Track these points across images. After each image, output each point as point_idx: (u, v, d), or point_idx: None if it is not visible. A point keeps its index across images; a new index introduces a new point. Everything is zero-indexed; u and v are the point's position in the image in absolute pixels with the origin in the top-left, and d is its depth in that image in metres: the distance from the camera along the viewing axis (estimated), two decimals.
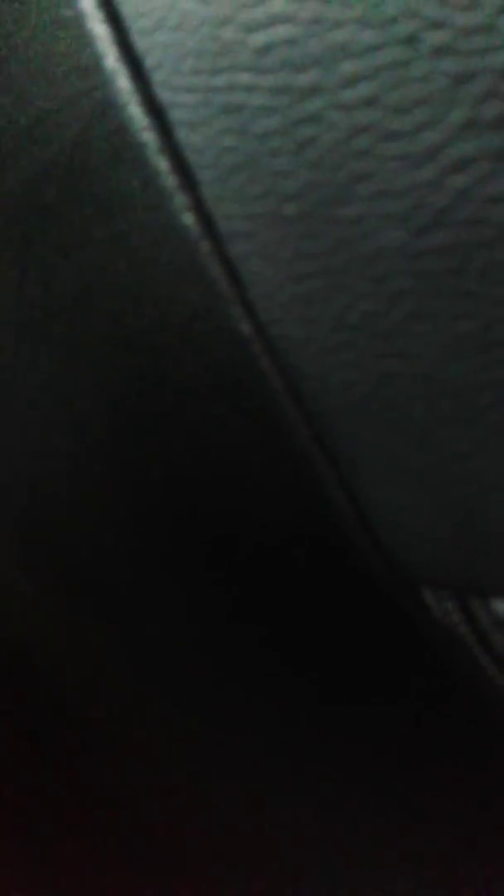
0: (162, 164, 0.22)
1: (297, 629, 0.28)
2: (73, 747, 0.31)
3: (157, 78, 0.21)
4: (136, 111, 0.22)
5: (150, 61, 0.21)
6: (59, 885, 0.31)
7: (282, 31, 0.19)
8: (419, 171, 0.19)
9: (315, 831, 0.31)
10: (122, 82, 0.22)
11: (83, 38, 0.23)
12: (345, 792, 0.30)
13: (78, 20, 0.23)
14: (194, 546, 0.27)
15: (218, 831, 0.31)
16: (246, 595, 0.28)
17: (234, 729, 0.30)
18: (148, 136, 0.22)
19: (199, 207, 0.22)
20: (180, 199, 0.22)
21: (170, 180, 0.22)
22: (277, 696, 0.29)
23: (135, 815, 0.31)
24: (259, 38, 0.20)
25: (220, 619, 0.28)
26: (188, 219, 0.22)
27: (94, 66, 0.23)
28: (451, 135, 0.19)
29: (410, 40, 0.19)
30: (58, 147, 0.25)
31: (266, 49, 0.20)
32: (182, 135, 0.21)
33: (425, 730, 0.30)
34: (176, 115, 0.21)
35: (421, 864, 0.30)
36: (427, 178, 0.19)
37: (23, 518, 0.28)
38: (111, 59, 0.22)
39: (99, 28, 0.22)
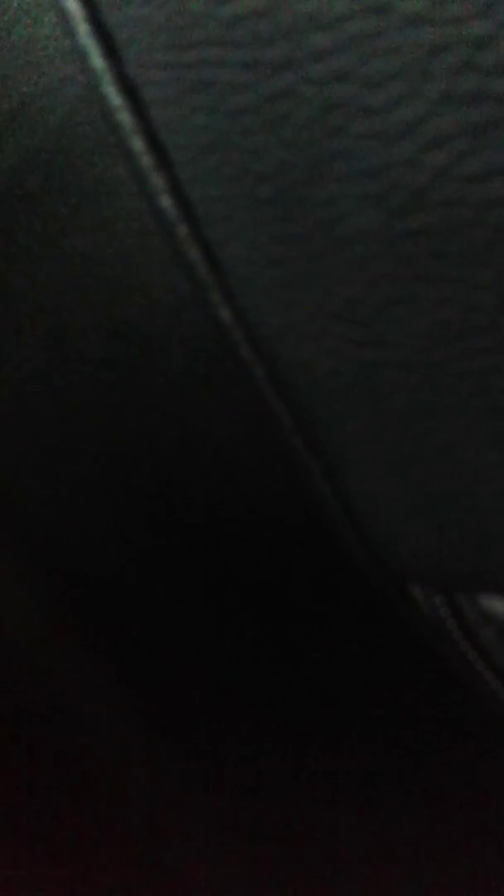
0: (137, 144, 0.21)
1: (291, 624, 0.28)
2: (72, 748, 0.30)
3: (129, 55, 0.20)
4: (109, 90, 0.21)
5: (120, 37, 0.20)
6: (58, 885, 0.31)
7: (250, 2, 0.18)
8: (395, 149, 0.19)
9: (315, 831, 0.30)
10: (95, 61, 0.21)
11: (63, 19, 0.22)
12: (344, 791, 0.30)
13: (55, 0, 0.22)
14: (184, 539, 0.27)
15: (217, 832, 0.30)
16: (237, 589, 0.27)
17: (231, 728, 0.29)
18: (122, 116, 0.21)
19: (175, 189, 0.21)
20: (156, 181, 0.21)
21: (145, 161, 0.21)
22: (273, 694, 0.29)
23: (134, 816, 0.31)
24: (228, 10, 0.19)
25: (210, 614, 0.28)
26: (165, 201, 0.21)
27: (75, 48, 0.22)
28: (427, 110, 0.18)
29: (382, 9, 0.18)
30: (42, 134, 0.24)
31: (235, 21, 0.19)
32: (155, 113, 0.20)
33: (424, 727, 0.29)
34: (148, 92, 0.20)
35: (421, 864, 0.30)
36: (403, 156, 0.19)
37: (10, 513, 0.28)
38: (83, 36, 0.21)
39: (70, 4, 0.21)
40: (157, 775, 0.30)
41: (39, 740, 0.30)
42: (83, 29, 0.21)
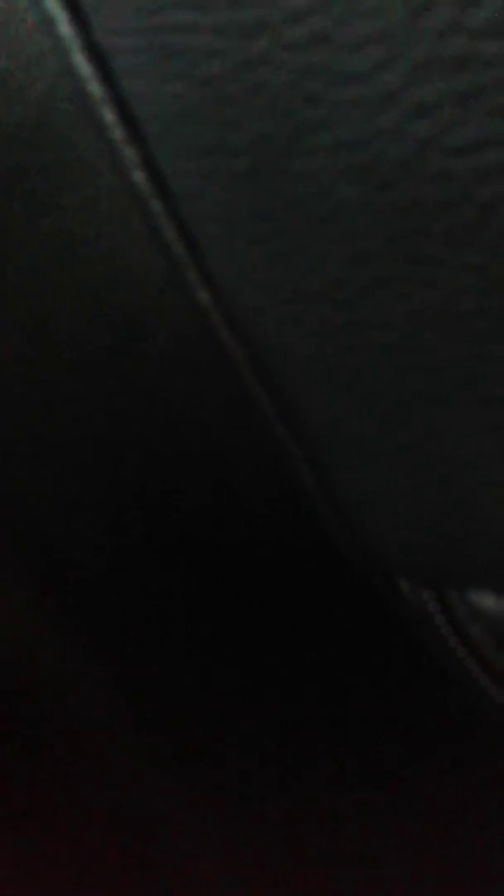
0: (108, 115, 0.20)
1: (285, 615, 0.27)
2: (72, 748, 0.30)
3: (97, 21, 0.19)
4: (78, 59, 0.20)
5: (88, 2, 0.19)
6: (58, 885, 0.30)
7: None
8: (377, 118, 0.17)
9: (315, 830, 0.29)
10: (63, 28, 0.20)
11: None
12: (344, 789, 0.29)
13: None
14: (174, 527, 0.26)
15: (217, 832, 0.30)
16: (229, 578, 0.26)
17: (230, 727, 0.29)
18: (92, 86, 0.20)
19: (148, 163, 0.20)
20: (128, 155, 0.20)
21: (116, 133, 0.20)
22: (270, 690, 0.28)
23: (134, 816, 0.30)
24: None
25: (203, 604, 0.27)
26: (138, 176, 0.20)
27: (44, 17, 0.21)
28: (411, 75, 0.17)
29: None
30: (21, 110, 0.23)
31: None
32: (125, 83, 0.19)
33: (421, 723, 0.28)
34: (118, 61, 0.19)
35: (421, 864, 0.29)
36: (386, 125, 0.17)
37: None
38: (50, 2, 0.20)
39: None
40: (157, 775, 0.30)
41: (39, 740, 0.30)
42: None
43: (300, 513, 0.24)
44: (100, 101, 0.20)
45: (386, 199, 0.18)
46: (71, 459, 0.26)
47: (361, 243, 0.18)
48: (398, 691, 0.28)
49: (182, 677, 0.28)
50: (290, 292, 0.19)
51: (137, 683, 0.29)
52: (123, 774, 0.30)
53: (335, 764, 0.29)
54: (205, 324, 0.21)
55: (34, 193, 0.24)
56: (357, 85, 0.17)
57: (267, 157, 0.18)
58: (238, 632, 0.27)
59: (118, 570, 0.27)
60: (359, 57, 0.17)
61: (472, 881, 0.29)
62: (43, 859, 0.30)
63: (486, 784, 0.29)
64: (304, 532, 0.24)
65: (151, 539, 0.26)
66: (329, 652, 0.27)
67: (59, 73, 0.23)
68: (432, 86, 0.17)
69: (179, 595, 0.27)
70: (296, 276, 0.19)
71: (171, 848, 0.30)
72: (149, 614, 0.27)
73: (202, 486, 0.25)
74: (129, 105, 0.20)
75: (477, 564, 0.20)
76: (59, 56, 0.20)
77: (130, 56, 0.19)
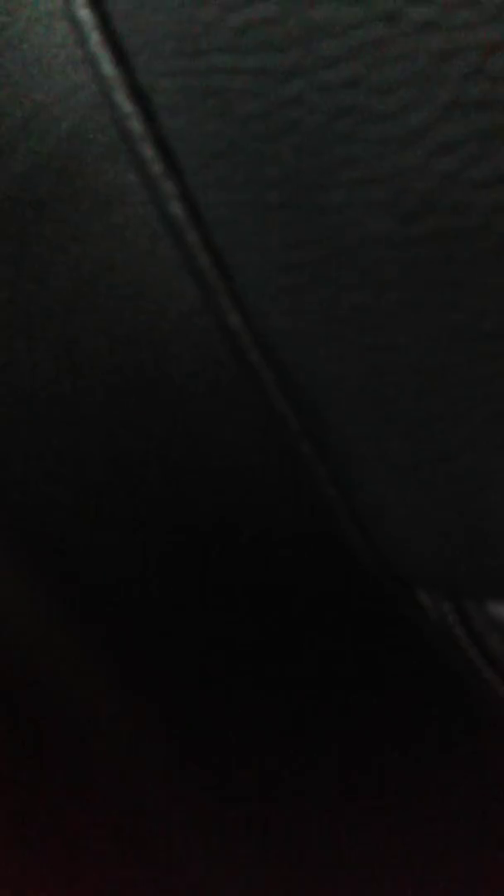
0: (147, 151, 0.21)
1: (300, 629, 0.28)
2: (72, 748, 0.30)
3: (139, 62, 0.20)
4: (120, 97, 0.21)
5: (131, 45, 0.20)
6: (58, 885, 0.31)
7: (260, 10, 0.19)
8: (404, 155, 0.19)
9: (316, 831, 0.30)
10: (106, 68, 0.21)
11: (75, 27, 0.22)
12: (347, 793, 0.30)
13: (68, 7, 0.22)
14: (192, 545, 0.27)
15: (217, 832, 0.30)
16: (245, 594, 0.27)
17: (231, 728, 0.29)
18: (133, 123, 0.21)
19: (185, 195, 0.21)
20: (166, 187, 0.21)
21: (155, 168, 0.21)
22: (276, 695, 0.29)
23: (134, 816, 0.31)
24: (237, 18, 0.19)
25: (218, 618, 0.28)
26: (175, 207, 0.21)
27: (87, 56, 0.22)
28: (437, 116, 0.18)
29: (392, 17, 0.18)
30: (53, 140, 0.25)
31: (245, 29, 0.19)
32: (165, 120, 0.21)
33: (432, 731, 0.29)
34: (159, 100, 0.20)
35: (421, 864, 0.30)
36: (412, 161, 0.19)
37: (17, 518, 0.28)
38: (94, 43, 0.21)
39: (83, 13, 0.21)
40: (158, 775, 0.30)
41: (40, 741, 0.30)
42: (95, 37, 0.21)
43: (319, 528, 0.25)
44: (140, 137, 0.21)
45: (411, 230, 0.19)
46: (92, 476, 0.27)
47: (386, 270, 0.20)
48: (406, 698, 0.29)
49: (187, 680, 0.29)
50: (319, 316, 0.21)
51: (142, 685, 0.29)
52: (125, 775, 0.30)
53: (338, 767, 0.30)
54: (234, 346, 0.22)
55: (64, 220, 0.25)
56: (385, 124, 0.19)
57: (298, 190, 0.20)
58: (255, 643, 0.28)
59: (137, 584, 0.28)
60: (388, 99, 0.18)
61: (473, 881, 0.30)
62: (43, 859, 0.30)
63: (490, 787, 0.29)
64: (322, 547, 0.25)
65: (171, 555, 0.27)
66: (340, 660, 0.28)
67: (92, 106, 0.24)
68: (456, 125, 0.18)
69: (198, 608, 0.28)
70: (324, 302, 0.20)
71: (171, 848, 0.31)
72: (167, 628, 0.28)
73: (223, 502, 0.26)
74: (167, 141, 0.21)
75: (496, 576, 0.21)
76: (100, 93, 0.22)
77: (171, 95, 0.20)
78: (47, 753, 0.30)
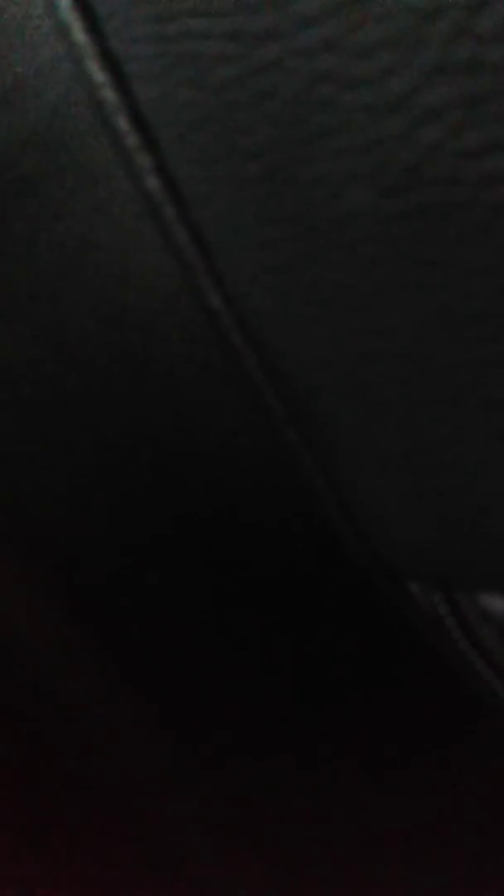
0: (121, 123, 0.20)
1: (291, 617, 0.27)
2: (72, 749, 0.30)
3: (111, 28, 0.19)
4: (92, 66, 0.20)
5: (102, 10, 0.19)
6: (58, 885, 0.30)
7: None
8: (386, 123, 0.17)
9: (315, 830, 0.29)
10: (77, 36, 0.20)
11: None
12: (344, 791, 0.29)
13: None
14: (183, 529, 0.26)
15: (217, 832, 0.30)
16: (236, 580, 0.26)
17: (232, 728, 0.29)
18: (106, 93, 0.20)
19: (162, 169, 0.20)
20: (142, 161, 0.20)
21: (130, 140, 0.20)
22: (275, 694, 0.28)
23: (134, 816, 0.30)
24: None
25: (209, 605, 0.27)
26: (151, 182, 0.20)
27: (59, 24, 0.21)
28: (420, 80, 0.17)
29: None
30: (35, 115, 0.24)
31: None
32: (139, 90, 0.19)
33: (426, 723, 0.28)
34: (131, 68, 0.19)
35: (421, 863, 0.29)
36: (395, 130, 0.17)
37: (5, 505, 0.27)
38: (64, 10, 0.20)
39: None
40: (158, 776, 0.30)
41: (40, 740, 0.30)
42: (64, 3, 0.20)
43: (310, 515, 0.24)
44: (114, 108, 0.20)
45: (395, 204, 0.18)
46: (81, 459, 0.26)
47: (371, 248, 0.18)
48: (403, 693, 0.28)
49: (185, 677, 0.28)
50: (300, 297, 0.19)
51: (141, 683, 0.29)
52: (125, 775, 0.30)
53: (337, 764, 0.29)
54: (217, 328, 0.21)
55: (49, 197, 0.24)
56: (366, 90, 0.17)
57: (276, 162, 0.19)
58: (244, 633, 0.27)
59: (126, 569, 0.27)
60: (368, 62, 0.17)
61: (473, 881, 0.29)
62: (43, 859, 0.30)
63: (489, 784, 0.29)
64: (313, 535, 0.24)
65: (161, 539, 0.26)
66: (335, 654, 0.27)
67: (73, 79, 0.23)
68: (440, 91, 0.17)
69: (187, 596, 0.27)
70: (305, 281, 0.19)
71: (171, 848, 0.30)
72: (156, 614, 0.27)
73: (212, 488, 0.25)
74: (142, 112, 0.20)
75: (486, 567, 0.20)
76: (74, 62, 0.21)
77: (144, 63, 0.19)
78: (48, 754, 0.30)
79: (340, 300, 0.19)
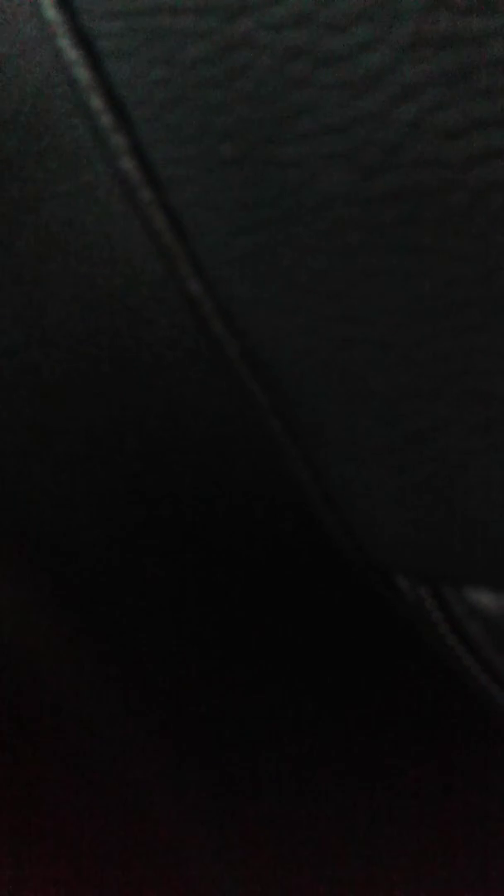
0: (95, 101, 0.19)
1: (282, 610, 0.26)
2: (71, 749, 0.29)
3: (82, 4, 0.19)
4: (64, 43, 0.19)
5: None
6: (58, 885, 0.30)
7: None
8: (362, 101, 0.17)
9: (315, 829, 0.29)
10: (48, 11, 0.19)
11: None
12: (344, 790, 0.28)
13: None
14: (171, 519, 0.25)
15: (217, 832, 0.29)
16: (225, 569, 0.26)
17: (229, 726, 0.28)
18: (79, 70, 0.19)
19: (136, 150, 0.19)
20: (117, 141, 0.19)
21: (104, 120, 0.19)
22: (270, 691, 0.27)
23: (134, 815, 0.30)
24: None
25: (199, 595, 0.26)
26: (126, 163, 0.19)
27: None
28: (397, 56, 0.16)
29: None
30: (19, 96, 0.23)
31: None
32: (112, 67, 0.19)
33: (421, 719, 0.27)
34: (103, 45, 0.19)
35: (421, 864, 0.28)
36: (372, 108, 0.17)
37: None
38: None
39: None
40: (157, 774, 0.29)
41: (39, 739, 0.29)
42: None
43: (296, 507, 0.23)
44: (87, 86, 0.19)
45: (373, 187, 0.17)
46: (67, 448, 0.26)
47: (349, 233, 0.18)
48: (397, 689, 0.27)
49: (179, 674, 0.28)
50: (279, 284, 0.19)
51: (137, 680, 0.28)
52: (123, 774, 0.29)
53: (335, 763, 0.28)
54: (197, 315, 0.20)
55: (31, 180, 0.24)
56: (341, 66, 0.16)
57: (251, 143, 0.18)
58: (235, 627, 0.27)
59: (116, 561, 0.27)
60: (342, 37, 0.16)
61: (473, 881, 0.29)
62: (43, 859, 0.30)
63: (488, 783, 0.28)
64: (299, 526, 0.24)
65: (148, 529, 0.26)
66: (326, 649, 0.27)
67: (55, 59, 0.22)
68: (418, 67, 0.16)
69: (176, 588, 0.26)
70: (284, 268, 0.18)
71: (170, 847, 0.30)
72: (146, 607, 0.27)
73: (199, 477, 0.24)
74: (115, 91, 0.19)
75: (472, 561, 0.19)
76: (47, 40, 0.20)
77: (115, 40, 0.18)
78: (46, 753, 0.29)
79: (319, 287, 0.18)
